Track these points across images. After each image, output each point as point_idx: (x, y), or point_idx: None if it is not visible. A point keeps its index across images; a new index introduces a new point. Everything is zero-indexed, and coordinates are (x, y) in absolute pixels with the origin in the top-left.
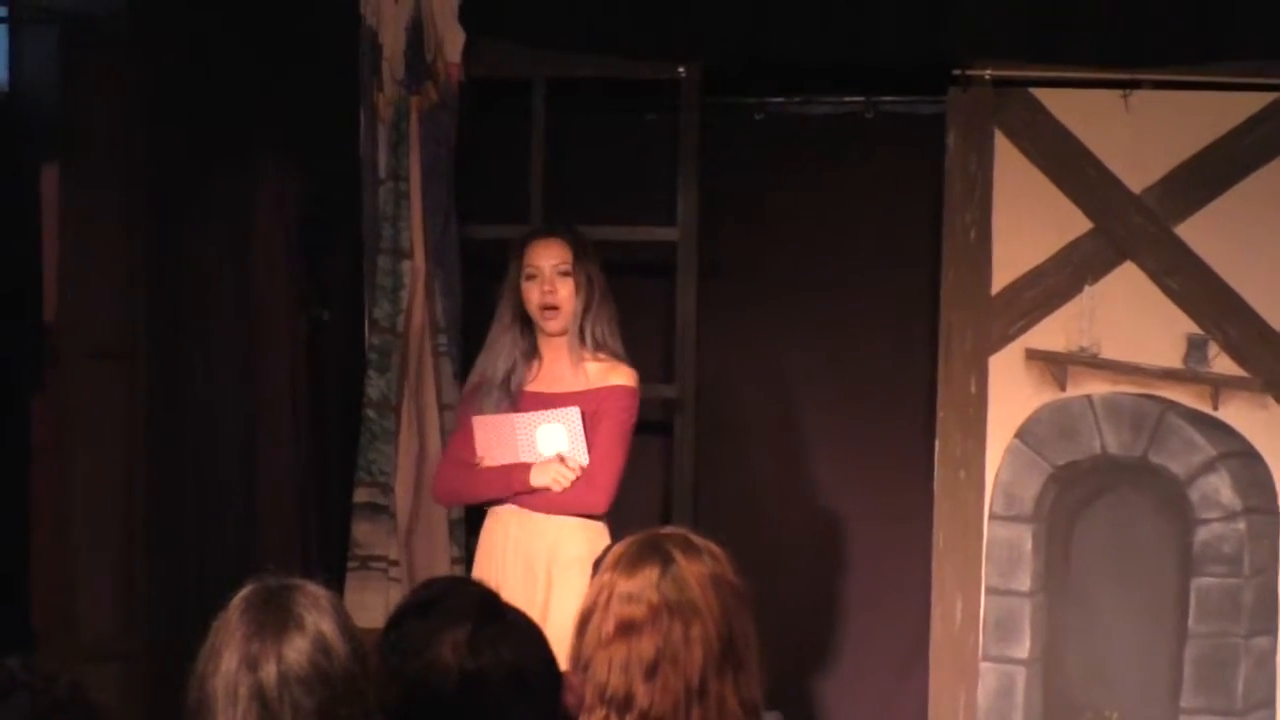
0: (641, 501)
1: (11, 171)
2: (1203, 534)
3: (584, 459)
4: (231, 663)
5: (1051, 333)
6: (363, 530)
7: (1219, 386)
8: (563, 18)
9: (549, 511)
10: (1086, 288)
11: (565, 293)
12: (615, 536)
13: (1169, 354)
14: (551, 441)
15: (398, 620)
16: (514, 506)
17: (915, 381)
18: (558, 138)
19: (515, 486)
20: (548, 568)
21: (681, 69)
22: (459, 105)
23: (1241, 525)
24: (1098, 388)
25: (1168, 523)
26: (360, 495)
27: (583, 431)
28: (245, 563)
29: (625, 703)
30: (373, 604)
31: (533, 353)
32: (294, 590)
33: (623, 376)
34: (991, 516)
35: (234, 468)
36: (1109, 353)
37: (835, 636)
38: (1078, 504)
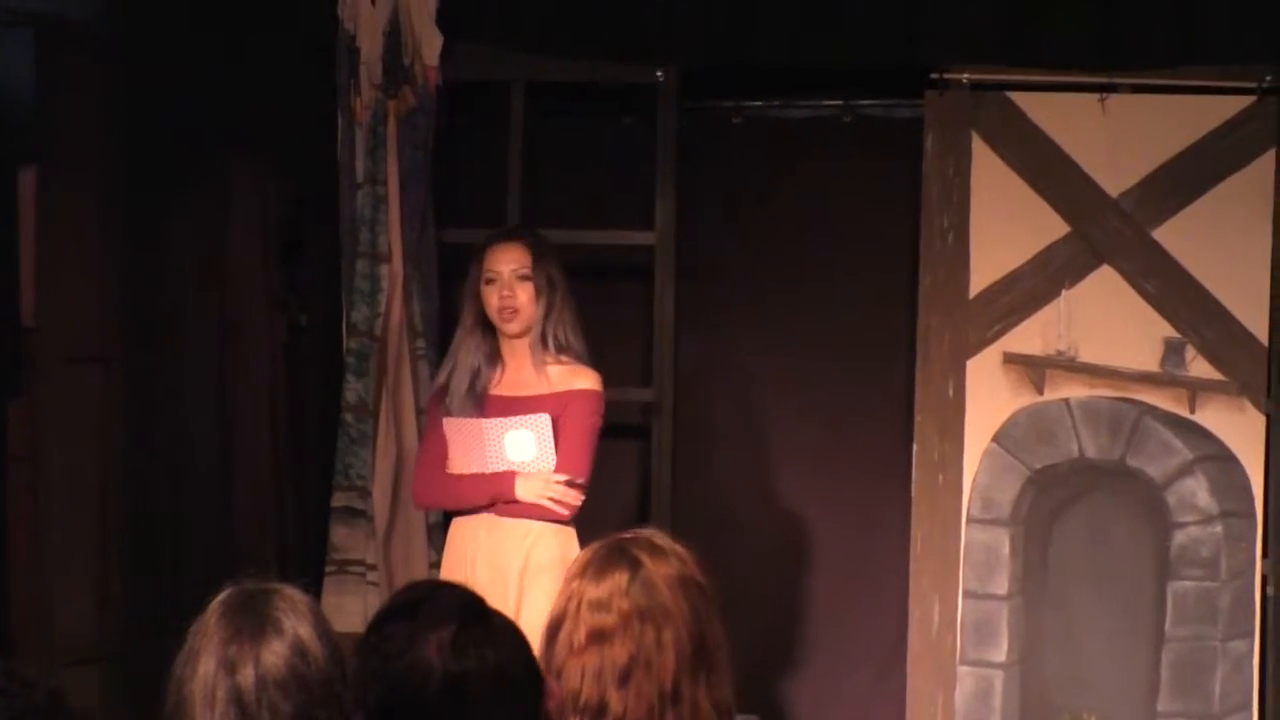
0: (618, 505)
1: None
2: (1180, 537)
3: (551, 465)
4: (209, 666)
5: (1029, 336)
6: (340, 534)
7: (1196, 390)
8: (540, 21)
9: (517, 517)
10: (1064, 291)
11: (525, 296)
12: (584, 541)
13: (1146, 357)
14: (519, 448)
15: (381, 622)
16: (484, 513)
17: (893, 385)
18: (535, 141)
19: (499, 498)
20: (519, 574)
21: (659, 72)
22: (437, 109)
23: (1219, 529)
24: (1075, 391)
25: (1145, 526)
26: (338, 499)
27: (551, 438)
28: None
29: (599, 710)
30: (350, 608)
31: (496, 356)
32: (272, 594)
33: (587, 380)
34: (969, 520)
35: (211, 472)
36: (1086, 356)
37: (812, 640)
38: (1055, 507)
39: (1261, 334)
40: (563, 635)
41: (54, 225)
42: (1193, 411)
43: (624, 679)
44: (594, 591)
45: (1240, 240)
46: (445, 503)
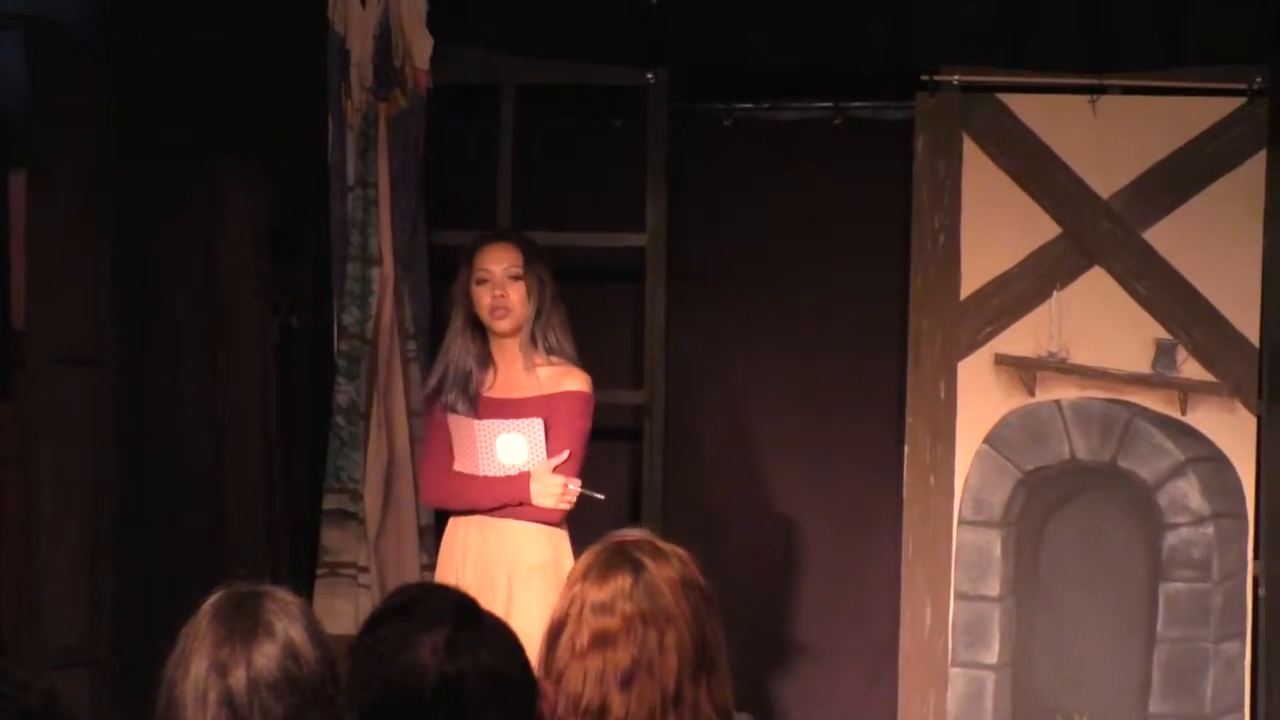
0: (610, 507)
1: None
2: (1171, 539)
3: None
4: (201, 668)
5: (1020, 338)
6: (332, 537)
7: (1187, 391)
8: (531, 23)
9: (509, 517)
10: (1055, 293)
11: (516, 295)
12: (575, 542)
13: (1137, 359)
14: (511, 451)
15: (375, 624)
16: (478, 514)
17: (884, 387)
18: (526, 143)
19: (511, 501)
20: (508, 575)
21: (650, 74)
22: (427, 111)
23: (1210, 530)
24: (1066, 393)
25: (1137, 527)
26: (329, 502)
27: (543, 442)
28: (214, 569)
29: (600, 713)
30: (342, 610)
31: (487, 358)
32: (264, 596)
33: (577, 382)
34: (961, 521)
35: (203, 474)
36: (1078, 358)
37: (804, 642)
38: (1047, 509)
39: (1253, 335)
40: (565, 638)
41: (45, 228)
42: (1184, 413)
43: (626, 682)
44: (597, 594)
45: (1231, 241)
46: (453, 502)
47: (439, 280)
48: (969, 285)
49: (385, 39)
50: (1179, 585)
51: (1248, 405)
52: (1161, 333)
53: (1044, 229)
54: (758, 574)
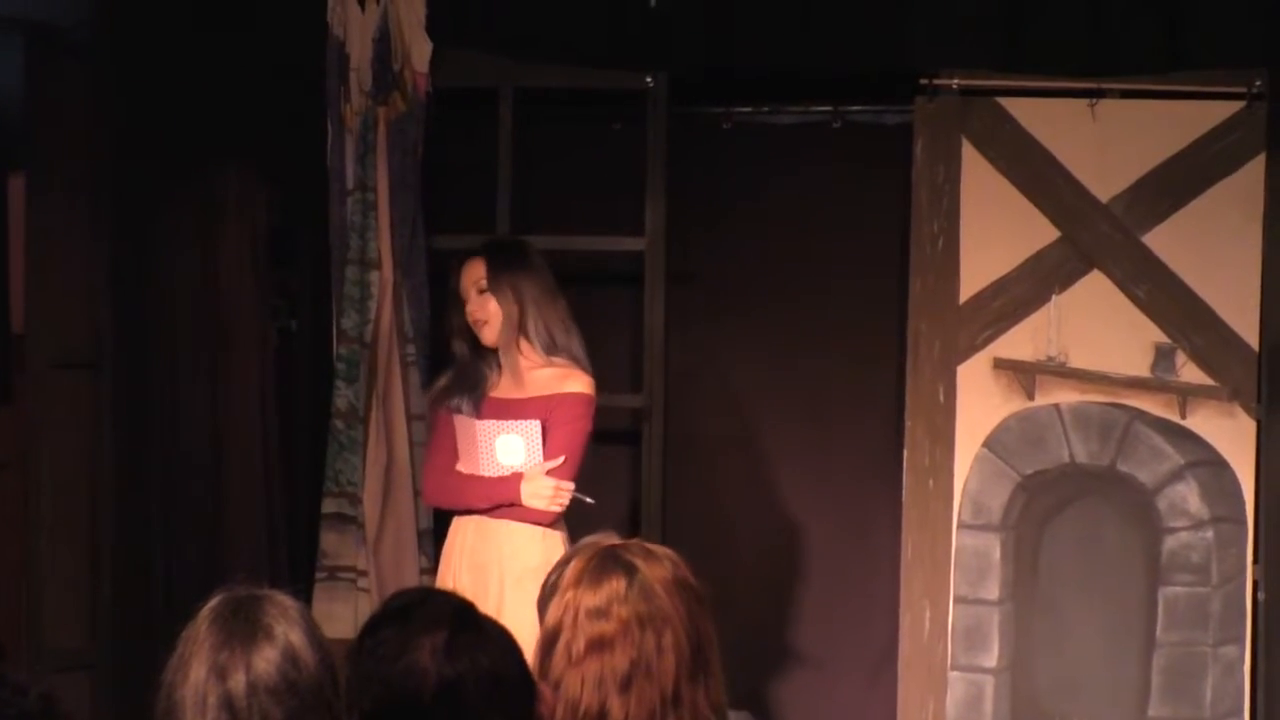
0: (609, 511)
1: None
2: (1170, 543)
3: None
4: (200, 672)
5: (1019, 342)
6: (331, 541)
7: (1187, 395)
8: (530, 27)
9: (503, 518)
10: (1054, 297)
11: (490, 308)
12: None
13: (1136, 363)
14: (509, 452)
15: (374, 627)
16: (475, 515)
17: (883, 391)
18: (525, 147)
19: (501, 502)
20: (500, 576)
21: (649, 78)
22: (426, 115)
23: (1209, 534)
24: (1066, 396)
25: (1136, 531)
26: (328, 506)
27: (540, 444)
28: (213, 573)
29: (600, 717)
30: (341, 614)
31: (493, 360)
32: (263, 600)
33: (578, 384)
34: (960, 525)
35: (201, 478)
36: (1076, 361)
37: (803, 646)
38: (1046, 513)
39: (1252, 339)
40: (560, 645)
41: (43, 231)
42: (1183, 417)
43: (625, 685)
44: (591, 599)
45: (1230, 245)
46: (450, 502)
47: (438, 284)
48: (968, 289)
49: (384, 43)
50: (1178, 589)
51: (1247, 409)
52: (1160, 336)
53: (1043, 233)
54: (757, 577)
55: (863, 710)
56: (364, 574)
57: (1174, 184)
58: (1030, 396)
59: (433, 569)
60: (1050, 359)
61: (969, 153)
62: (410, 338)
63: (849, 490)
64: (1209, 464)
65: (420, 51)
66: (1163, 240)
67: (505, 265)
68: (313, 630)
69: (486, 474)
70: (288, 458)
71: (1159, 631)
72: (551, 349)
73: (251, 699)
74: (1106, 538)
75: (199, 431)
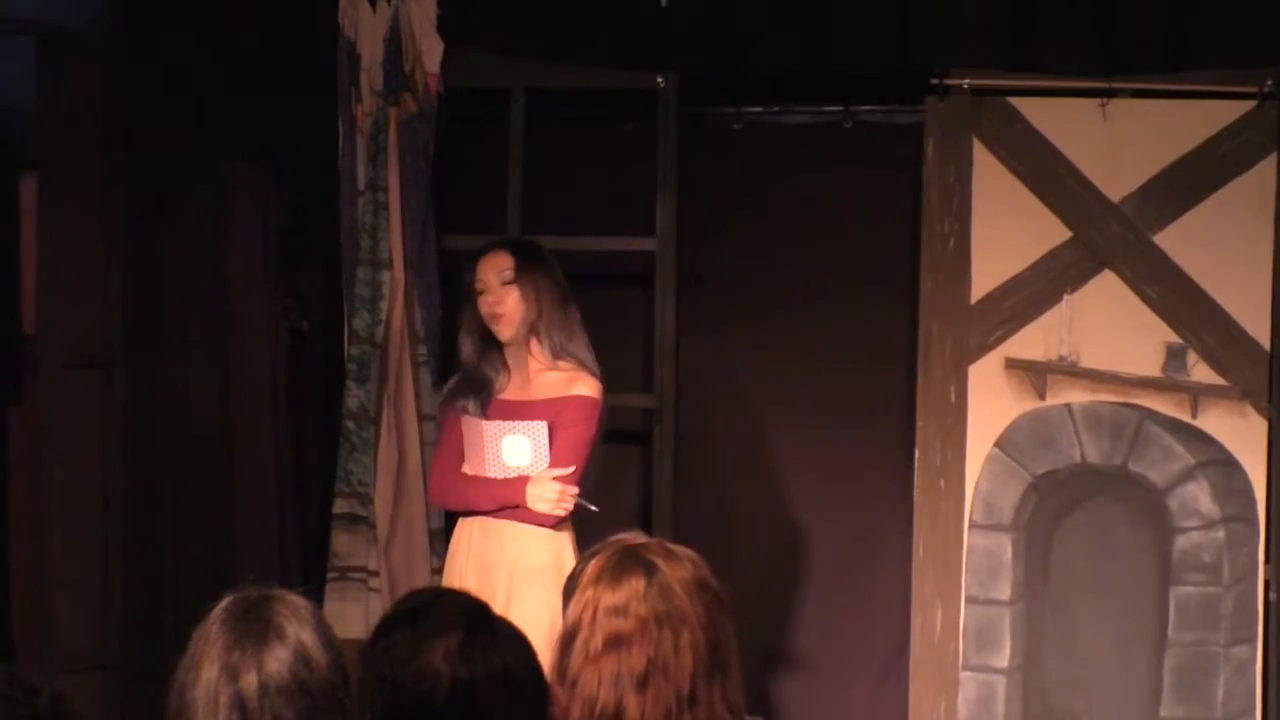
0: (620, 512)
1: None
2: (1182, 543)
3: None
4: (212, 672)
5: (1031, 342)
6: (342, 541)
7: (1198, 395)
8: (541, 27)
9: (508, 519)
10: (1065, 296)
11: (511, 302)
12: (581, 546)
13: (1148, 363)
14: (516, 453)
15: (386, 628)
16: (480, 515)
17: (894, 391)
18: (536, 147)
19: (507, 504)
20: (507, 577)
21: (660, 79)
22: (437, 116)
23: (1221, 534)
24: (1077, 396)
25: (1147, 531)
26: (340, 506)
27: (547, 445)
28: (224, 573)
29: (616, 715)
30: (352, 615)
31: (501, 362)
32: (274, 601)
33: (585, 387)
34: (971, 525)
35: (213, 478)
36: (1088, 361)
37: (814, 647)
38: (1057, 513)
39: (1263, 338)
40: (579, 642)
41: (54, 232)
42: (1195, 416)
43: (642, 684)
44: (610, 598)
45: (1242, 245)
46: (454, 502)
47: (449, 284)
48: (979, 289)
49: (395, 43)
50: (1190, 589)
51: (1258, 409)
52: (1172, 336)
53: (1054, 232)
54: (768, 577)
55: (873, 711)
56: (375, 574)
57: (1185, 184)
58: (1041, 396)
59: (443, 569)
60: (1062, 359)
61: (980, 153)
62: (422, 338)
63: (860, 490)
64: (1220, 464)
65: (431, 52)
66: (1174, 240)
67: (529, 260)
68: (324, 630)
69: (492, 475)
70: (299, 458)
71: (1170, 631)
72: (559, 352)
73: (263, 699)
74: (1118, 538)
75: (210, 432)
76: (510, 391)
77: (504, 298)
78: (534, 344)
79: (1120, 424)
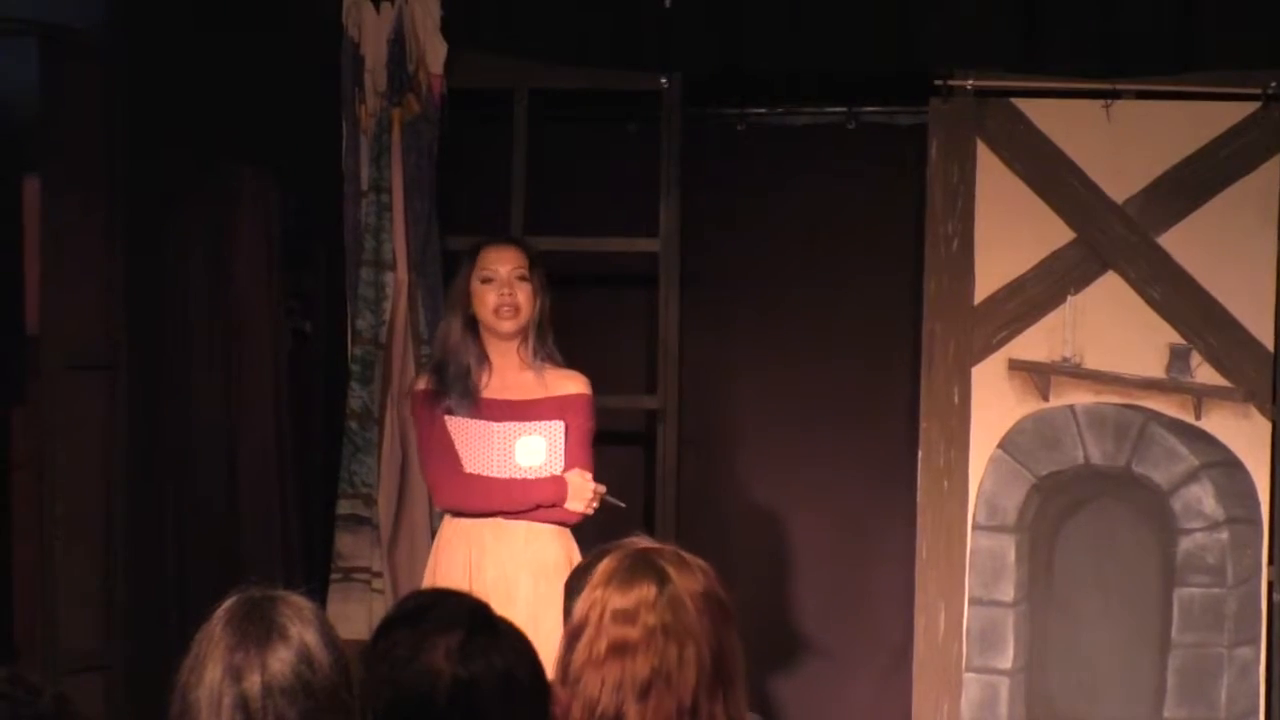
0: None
1: None
2: (1186, 544)
3: (558, 471)
4: (215, 673)
5: (1034, 343)
6: (345, 542)
7: (1201, 396)
8: (544, 28)
9: (534, 520)
10: (1069, 298)
11: (523, 296)
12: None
13: (1152, 364)
14: (530, 453)
15: (388, 628)
16: (491, 517)
17: (898, 392)
18: (539, 148)
19: (543, 503)
20: (532, 576)
21: (663, 80)
22: (440, 116)
23: (1224, 535)
24: (1080, 398)
25: (1151, 533)
26: (343, 507)
27: (562, 445)
28: (227, 574)
29: None
30: (355, 615)
31: (483, 358)
32: (278, 601)
33: (580, 385)
34: (975, 527)
35: (216, 479)
36: (1092, 363)
37: (817, 648)
38: (1061, 514)
39: (1267, 340)
40: (583, 641)
41: (58, 233)
42: (1198, 418)
43: (644, 693)
44: (619, 601)
45: (1246, 246)
46: (474, 504)
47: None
48: (983, 290)
49: (399, 44)
50: (1193, 590)
51: (1262, 410)
52: (1176, 338)
53: (1058, 234)
54: (771, 578)
55: (876, 712)
56: (378, 575)
57: (1189, 185)
58: (1045, 397)
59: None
60: (1065, 360)
61: (984, 153)
62: (425, 339)
63: (863, 491)
64: (1224, 465)
65: (435, 53)
66: (1178, 241)
67: (538, 260)
68: (327, 631)
69: (499, 475)
70: (302, 459)
71: (1174, 633)
72: (539, 351)
73: (266, 700)
74: (1121, 539)
75: (213, 433)
76: (495, 389)
77: (517, 292)
78: (528, 340)
79: (1124, 425)
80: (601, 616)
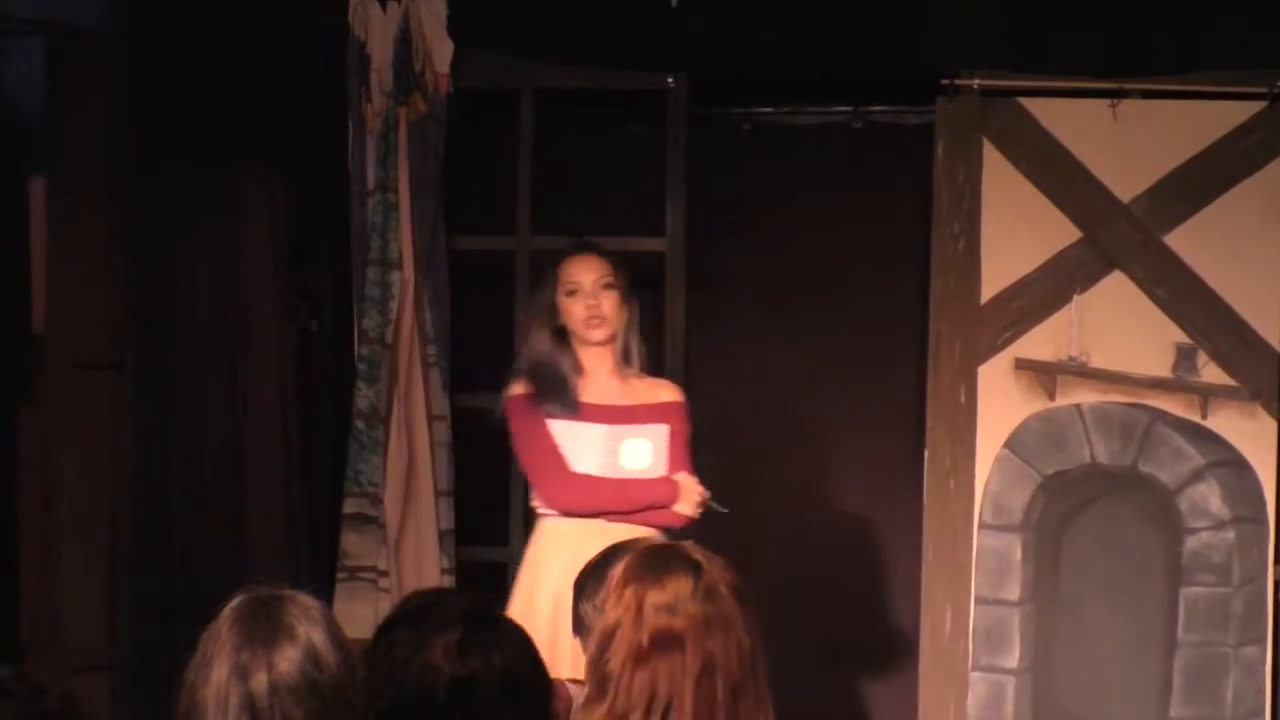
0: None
1: None
2: (1192, 543)
3: (662, 474)
4: (222, 672)
5: (1040, 342)
6: (352, 541)
7: (1208, 396)
8: (550, 28)
9: (638, 523)
10: (1075, 297)
11: (610, 305)
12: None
13: (1158, 363)
14: (636, 455)
15: (388, 627)
16: (599, 519)
17: (904, 391)
18: (545, 148)
19: (655, 504)
20: None
21: (669, 79)
22: (447, 116)
23: (1230, 534)
24: (1087, 397)
25: (1157, 532)
26: (349, 506)
27: (666, 449)
28: (234, 573)
29: (665, 712)
30: (362, 614)
31: (576, 364)
32: (284, 600)
33: (676, 393)
34: (981, 526)
35: (222, 478)
36: (1098, 362)
37: (823, 647)
38: (1067, 513)
39: (1273, 339)
40: (619, 640)
41: (64, 233)
42: (1204, 417)
43: (697, 681)
44: (658, 596)
45: (1252, 246)
46: (589, 504)
47: (459, 284)
48: (989, 289)
49: (405, 44)
50: (1199, 590)
51: (1268, 409)
52: (1182, 337)
53: (1064, 233)
54: (777, 578)
55: (883, 710)
56: (385, 574)
57: (1195, 184)
58: (1051, 397)
59: (454, 569)
60: (1071, 359)
61: (990, 153)
62: (431, 338)
63: (870, 490)
64: (1230, 464)
65: (441, 52)
66: (1184, 241)
67: (619, 268)
68: (334, 630)
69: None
70: (309, 458)
71: (1180, 632)
72: (626, 357)
73: (273, 699)
74: (1128, 538)
75: (220, 432)
76: (594, 395)
77: (603, 301)
78: (620, 347)
79: (1130, 424)
80: (639, 612)
